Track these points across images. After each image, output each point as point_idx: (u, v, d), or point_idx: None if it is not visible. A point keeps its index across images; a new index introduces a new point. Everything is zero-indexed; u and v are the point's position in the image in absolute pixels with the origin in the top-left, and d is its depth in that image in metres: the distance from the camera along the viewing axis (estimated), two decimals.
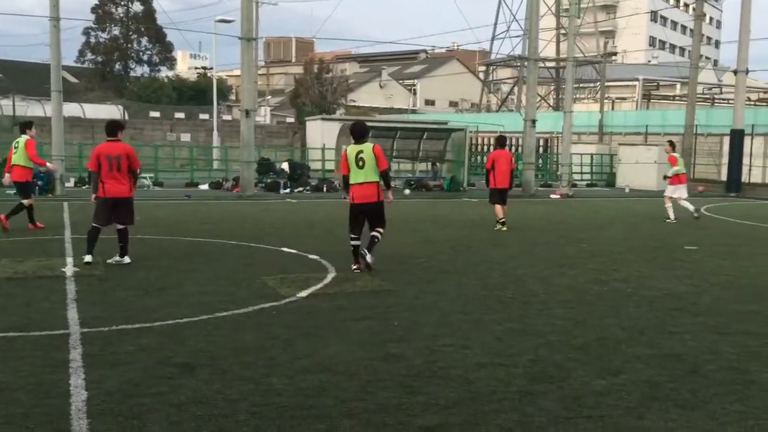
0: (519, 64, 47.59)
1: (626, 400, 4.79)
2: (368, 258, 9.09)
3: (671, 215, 16.41)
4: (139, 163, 9.62)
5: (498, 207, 14.24)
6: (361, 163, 9.06)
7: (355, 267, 9.12)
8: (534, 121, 25.89)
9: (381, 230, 9.35)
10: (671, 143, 17.16)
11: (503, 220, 14.14)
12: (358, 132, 9.26)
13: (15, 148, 12.84)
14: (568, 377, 5.22)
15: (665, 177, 16.86)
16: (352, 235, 9.35)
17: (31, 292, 7.56)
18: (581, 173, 33.03)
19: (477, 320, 6.84)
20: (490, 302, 7.62)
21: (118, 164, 9.18)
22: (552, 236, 13.42)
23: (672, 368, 5.49)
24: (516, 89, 52.08)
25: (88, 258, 9.15)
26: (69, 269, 8.81)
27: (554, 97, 53.29)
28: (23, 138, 12.79)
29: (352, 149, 9.18)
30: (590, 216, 17.76)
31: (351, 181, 9.20)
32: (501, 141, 14.93)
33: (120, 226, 9.35)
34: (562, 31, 53.54)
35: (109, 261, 9.28)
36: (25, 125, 13.22)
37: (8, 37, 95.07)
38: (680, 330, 6.63)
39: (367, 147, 9.15)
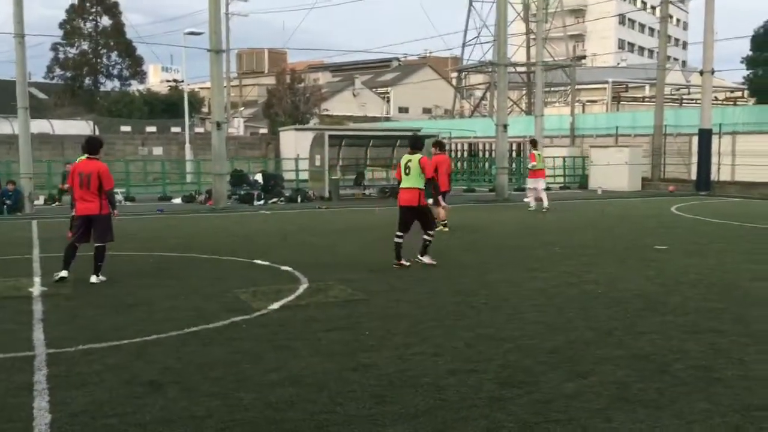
0: (490, 69, 47.95)
1: (595, 402, 4.81)
2: (425, 260, 10.29)
3: (532, 204, 19.51)
4: (112, 183, 9.44)
5: (441, 210, 14.17)
6: (408, 171, 10.22)
7: (395, 264, 10.14)
8: (506, 126, 26.04)
9: (431, 232, 10.35)
10: (533, 142, 20.39)
11: (445, 221, 14.69)
12: (412, 143, 10.54)
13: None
14: (537, 381, 5.23)
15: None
16: (397, 233, 10.34)
17: None
18: (554, 176, 33.26)
19: (449, 327, 6.84)
20: (462, 308, 7.64)
21: (88, 182, 9.10)
22: (524, 240, 13.50)
23: (640, 368, 5.53)
24: (488, 94, 52.43)
25: (62, 273, 9.09)
26: (36, 289, 8.68)
27: (526, 101, 53.72)
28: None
29: (404, 158, 10.37)
30: (563, 218, 17.88)
31: (400, 186, 10.38)
32: (440, 146, 15.44)
33: (96, 244, 9.22)
34: (532, 36, 54.05)
35: (92, 281, 9.13)
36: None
37: None
38: (649, 330, 6.69)
39: (416, 157, 10.22)
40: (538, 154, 19.58)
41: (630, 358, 5.78)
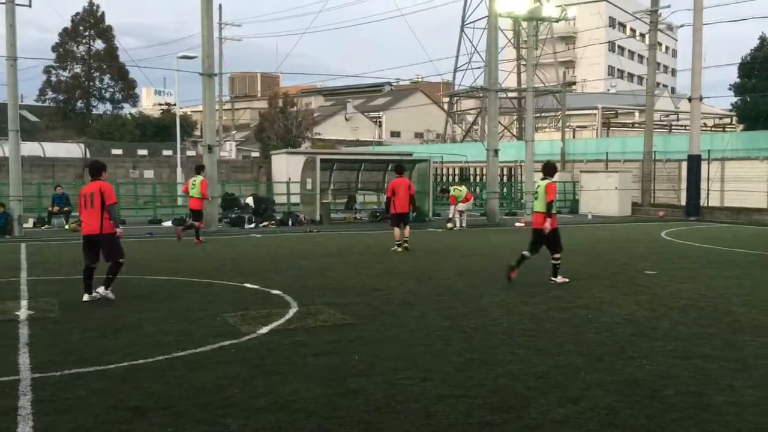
0: (481, 94, 48.33)
1: (584, 427, 4.78)
2: (558, 280, 10.98)
3: (458, 225, 22.16)
4: (114, 199, 9.40)
5: (396, 230, 15.67)
6: (536, 196, 11.10)
7: (510, 270, 10.99)
8: (497, 151, 26.18)
9: (557, 255, 11.10)
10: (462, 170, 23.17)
11: (399, 242, 15.58)
12: (546, 170, 11.19)
13: (192, 185, 17.96)
14: (527, 406, 5.20)
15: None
16: (525, 252, 11.16)
17: None
18: None
19: (439, 351, 6.81)
20: (452, 333, 7.61)
21: (92, 201, 9.17)
22: None
23: (630, 394, 5.51)
24: (479, 119, 52.79)
25: (85, 297, 9.24)
26: (23, 312, 8.60)
27: (517, 126, 54.10)
28: (199, 178, 18.01)
29: (538, 184, 11.21)
30: None
31: (533, 209, 11.40)
32: (398, 169, 16.65)
33: (108, 262, 9.35)
34: (523, 62, 54.54)
35: (98, 291, 9.27)
36: (200, 168, 18.72)
37: None
38: (639, 355, 6.67)
39: (543, 183, 11.01)
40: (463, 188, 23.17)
41: (620, 384, 5.76)
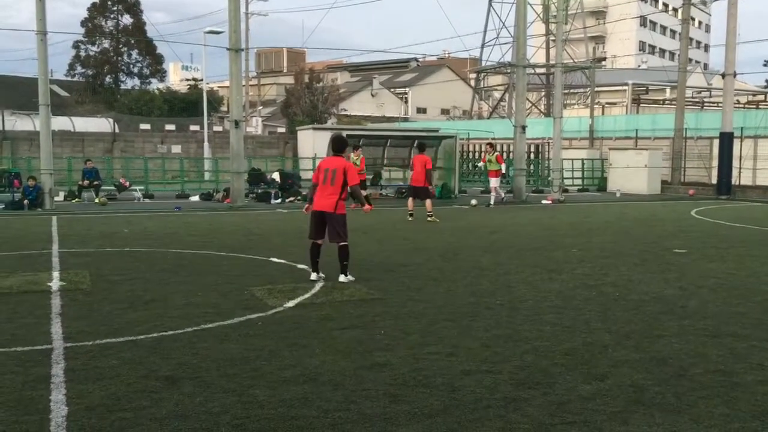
0: (509, 70, 47.78)
1: (611, 405, 4.77)
2: None
3: (491, 202, 21.74)
4: (357, 179, 9.04)
5: (410, 201, 17.59)
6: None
7: None
8: (524, 128, 25.94)
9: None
10: (491, 144, 23.15)
11: (411, 212, 17.25)
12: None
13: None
14: (553, 383, 5.19)
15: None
16: None
17: (15, 308, 7.50)
18: (572, 178, 33.09)
19: (464, 327, 6.81)
20: (478, 309, 7.60)
21: (333, 178, 8.83)
22: (542, 242, 13.42)
23: (658, 372, 5.47)
24: (507, 96, 52.27)
25: (313, 276, 9.05)
26: (55, 284, 8.75)
27: (545, 103, 53.48)
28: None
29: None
30: (581, 221, 17.77)
31: None
32: (420, 147, 17.90)
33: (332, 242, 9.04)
34: (552, 38, 53.74)
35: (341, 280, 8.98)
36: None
37: (0, 53, 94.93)
38: (667, 333, 6.62)
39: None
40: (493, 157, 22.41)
41: (647, 362, 5.73)
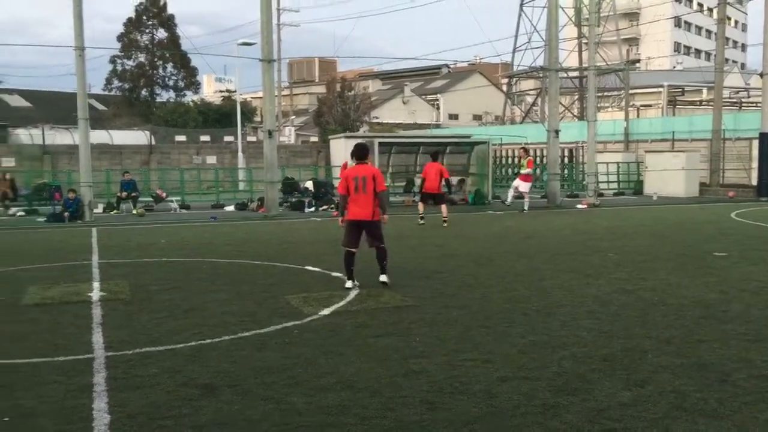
0: (541, 75, 47.48)
1: (652, 411, 4.69)
2: None
3: (525, 207, 21.41)
4: (385, 185, 9.20)
5: (421, 205, 18.26)
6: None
7: None
8: (557, 132, 25.73)
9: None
10: (525, 149, 23.13)
11: (422, 215, 17.91)
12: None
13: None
14: (592, 389, 5.13)
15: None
16: None
17: (58, 318, 7.66)
18: (608, 182, 32.71)
19: (500, 333, 6.77)
20: (514, 315, 7.55)
21: (364, 185, 8.95)
22: (578, 246, 13.28)
23: (699, 378, 5.37)
24: (539, 100, 51.92)
25: (348, 284, 9.06)
26: (95, 294, 8.92)
27: (578, 106, 53.01)
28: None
29: None
30: (617, 225, 17.54)
31: None
32: (434, 155, 18.82)
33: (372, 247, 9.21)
34: (584, 41, 53.26)
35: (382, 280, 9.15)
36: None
37: (40, 69, 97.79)
38: (709, 338, 6.49)
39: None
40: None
41: (689, 367, 5.63)
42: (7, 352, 6.26)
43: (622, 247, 13.14)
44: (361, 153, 9.32)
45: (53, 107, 55.09)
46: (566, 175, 35.59)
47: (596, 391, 5.10)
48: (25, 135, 39.86)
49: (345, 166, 20.19)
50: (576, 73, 49.15)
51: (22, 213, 22.30)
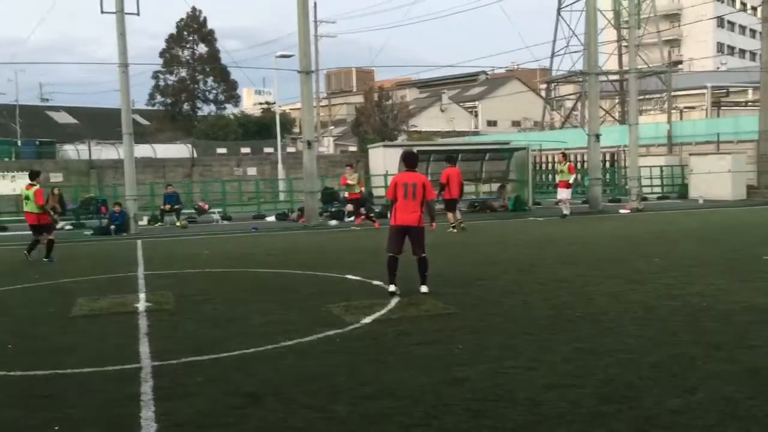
0: (580, 79, 46.98)
1: (703, 418, 4.57)
2: None
3: (566, 212, 21.02)
4: (434, 194, 9.55)
5: (450, 215, 17.90)
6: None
7: None
8: (598, 136, 25.40)
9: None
10: (564, 154, 22.69)
11: (455, 224, 17.69)
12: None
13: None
14: (640, 397, 5.03)
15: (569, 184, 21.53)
16: None
17: (105, 328, 7.82)
18: (651, 186, 32.14)
19: (544, 341, 6.69)
20: (558, 322, 7.45)
21: (414, 192, 9.04)
22: (622, 252, 13.06)
23: (752, 384, 5.22)
24: (579, 105, 51.36)
25: (392, 288, 9.09)
26: (141, 304, 9.08)
27: (619, 110, 52.27)
28: None
29: None
30: (662, 229, 17.21)
31: None
32: (450, 160, 19.24)
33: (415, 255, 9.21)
34: (624, 43, 52.53)
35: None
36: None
37: (85, 86, 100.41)
38: (760, 344, 6.31)
39: None
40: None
41: (740, 374, 5.47)
42: (58, 362, 6.40)
43: (668, 251, 12.88)
44: (411, 161, 9.39)
45: (99, 123, 56.46)
46: (608, 180, 35.08)
47: (644, 398, 4.99)
48: (72, 151, 40.96)
49: (344, 179, 20.58)
50: (616, 77, 48.50)
51: (70, 227, 22.85)
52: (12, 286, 11.05)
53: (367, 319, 7.76)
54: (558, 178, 21.75)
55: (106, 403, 5.26)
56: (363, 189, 21.19)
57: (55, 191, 23.96)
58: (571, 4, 51.48)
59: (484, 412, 4.83)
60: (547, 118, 56.15)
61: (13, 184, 21.19)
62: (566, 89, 58.58)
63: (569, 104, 56.96)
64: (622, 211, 23.79)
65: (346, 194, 21.34)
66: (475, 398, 5.11)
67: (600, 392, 5.15)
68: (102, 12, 20.54)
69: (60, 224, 22.79)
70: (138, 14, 21.08)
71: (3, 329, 7.95)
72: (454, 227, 17.62)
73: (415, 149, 24.85)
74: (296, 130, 57.07)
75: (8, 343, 7.26)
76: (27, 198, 14.19)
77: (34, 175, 14.72)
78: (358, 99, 62.03)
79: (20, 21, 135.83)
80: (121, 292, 10.14)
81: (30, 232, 14.65)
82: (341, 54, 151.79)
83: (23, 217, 16.27)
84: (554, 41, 53.37)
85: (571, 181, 21.64)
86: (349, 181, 20.41)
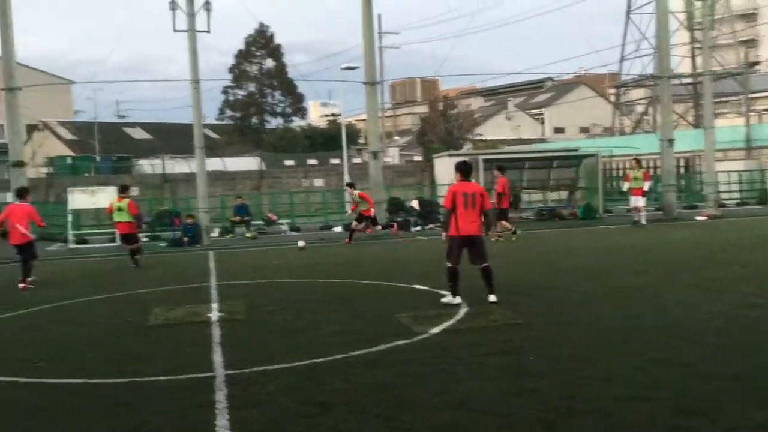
0: (652, 83, 45.76)
1: None
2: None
3: (642, 220, 20.20)
4: (490, 204, 9.44)
5: (505, 223, 17.87)
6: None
7: None
8: (671, 141, 24.68)
9: None
10: (637, 160, 21.90)
11: (511, 231, 17.77)
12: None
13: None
14: (721, 409, 4.84)
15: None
16: None
17: (180, 338, 8.04)
18: (729, 192, 30.98)
19: (618, 351, 6.52)
20: (631, 332, 7.25)
21: (473, 202, 8.99)
22: (698, 260, 12.64)
23: None
24: (650, 109, 50.02)
25: (454, 299, 9.07)
26: (214, 315, 9.28)
27: (693, 114, 50.65)
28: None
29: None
30: (741, 237, 16.54)
31: None
32: (502, 169, 18.82)
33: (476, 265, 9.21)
34: (697, 45, 50.92)
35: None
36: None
37: (159, 102, 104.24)
38: None
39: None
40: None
41: None
42: (136, 370, 6.62)
43: (749, 259, 12.38)
44: (468, 170, 9.34)
45: (172, 138, 58.23)
46: (682, 186, 34.01)
47: (726, 411, 4.80)
48: (147, 165, 42.38)
49: (362, 195, 19.75)
50: (690, 80, 47.05)
51: (146, 239, 23.61)
52: (92, 296, 11.50)
53: (436, 329, 7.73)
54: (630, 186, 20.80)
55: (182, 411, 5.40)
56: (372, 207, 20.08)
57: None
58: (640, 6, 50.27)
59: (556, 424, 4.74)
60: (617, 123, 54.87)
61: (93, 198, 21.97)
62: (636, 93, 57.12)
63: (640, 109, 55.52)
64: (698, 218, 22.98)
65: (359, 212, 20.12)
66: (547, 410, 5.02)
67: (678, 405, 4.99)
68: (174, 31, 21.26)
69: None
70: (209, 31, 21.72)
71: (84, 338, 8.27)
72: (513, 232, 17.78)
73: (480, 158, 24.77)
74: (362, 141, 57.49)
75: (89, 351, 7.55)
76: (120, 209, 15.56)
77: (124, 189, 16.23)
78: (423, 109, 62.08)
79: (99, 42, 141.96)
80: (195, 302, 10.41)
81: (119, 244, 16.25)
82: (405, 64, 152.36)
83: (103, 230, 17.02)
84: (623, 45, 52.18)
85: (646, 189, 20.84)
86: (357, 201, 19.88)
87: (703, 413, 4.79)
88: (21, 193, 14.09)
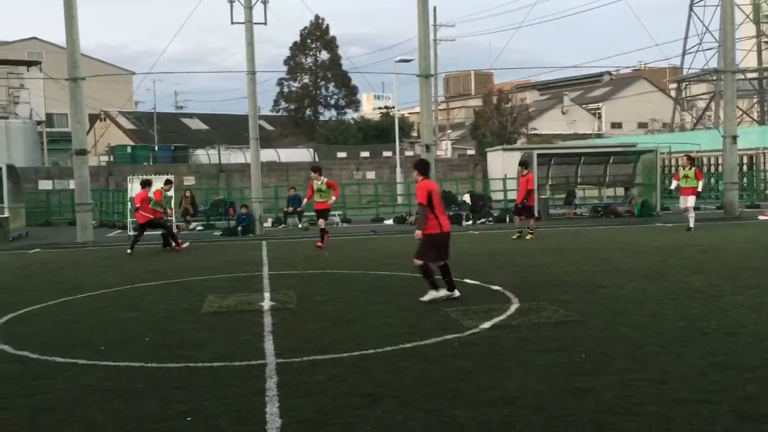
0: (715, 77, 44.41)
1: None
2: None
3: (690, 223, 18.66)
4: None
5: (532, 221, 17.70)
6: None
7: None
8: (735, 138, 23.91)
9: None
10: (689, 157, 19.99)
11: (532, 230, 17.38)
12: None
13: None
14: None
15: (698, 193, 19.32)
16: None
17: (233, 325, 8.15)
18: None
19: (674, 353, 6.34)
20: (690, 334, 7.04)
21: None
22: (762, 261, 12.21)
23: None
24: (713, 105, 48.56)
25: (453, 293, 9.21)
26: (266, 303, 9.40)
27: (758, 110, 49.00)
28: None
29: None
30: None
31: None
32: (527, 165, 18.04)
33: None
34: (764, 39, 49.19)
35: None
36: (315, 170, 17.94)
37: (217, 94, 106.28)
38: None
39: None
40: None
41: None
42: (191, 355, 6.74)
43: None
44: (426, 168, 9.59)
45: (228, 129, 59.26)
46: (745, 184, 32.93)
47: None
48: (203, 155, 43.19)
49: (330, 183, 17.52)
50: (755, 74, 45.48)
51: (201, 227, 24.08)
52: (148, 282, 11.77)
53: (486, 324, 7.66)
54: (681, 184, 18.91)
55: (235, 397, 5.47)
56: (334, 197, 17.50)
57: (188, 194, 25.33)
58: None
59: (609, 425, 4.64)
60: (677, 119, 53.46)
61: (152, 186, 22.50)
62: (698, 89, 55.57)
63: (701, 104, 53.96)
64: (761, 217, 22.22)
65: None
66: (600, 410, 4.91)
67: (738, 410, 4.82)
68: (232, 23, 21.57)
69: (192, 225, 24.13)
70: (265, 23, 21.96)
71: (141, 323, 8.47)
72: (531, 231, 17.46)
73: (534, 152, 24.46)
74: (414, 134, 57.44)
75: (146, 336, 7.72)
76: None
77: (146, 183, 17.72)
78: (477, 102, 61.59)
79: (158, 34, 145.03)
80: (247, 290, 10.55)
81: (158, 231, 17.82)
82: (460, 57, 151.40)
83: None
84: (686, 38, 50.80)
85: (700, 189, 19.38)
86: (320, 188, 17.08)
87: (766, 420, 4.61)
88: (143, 184, 17.60)
